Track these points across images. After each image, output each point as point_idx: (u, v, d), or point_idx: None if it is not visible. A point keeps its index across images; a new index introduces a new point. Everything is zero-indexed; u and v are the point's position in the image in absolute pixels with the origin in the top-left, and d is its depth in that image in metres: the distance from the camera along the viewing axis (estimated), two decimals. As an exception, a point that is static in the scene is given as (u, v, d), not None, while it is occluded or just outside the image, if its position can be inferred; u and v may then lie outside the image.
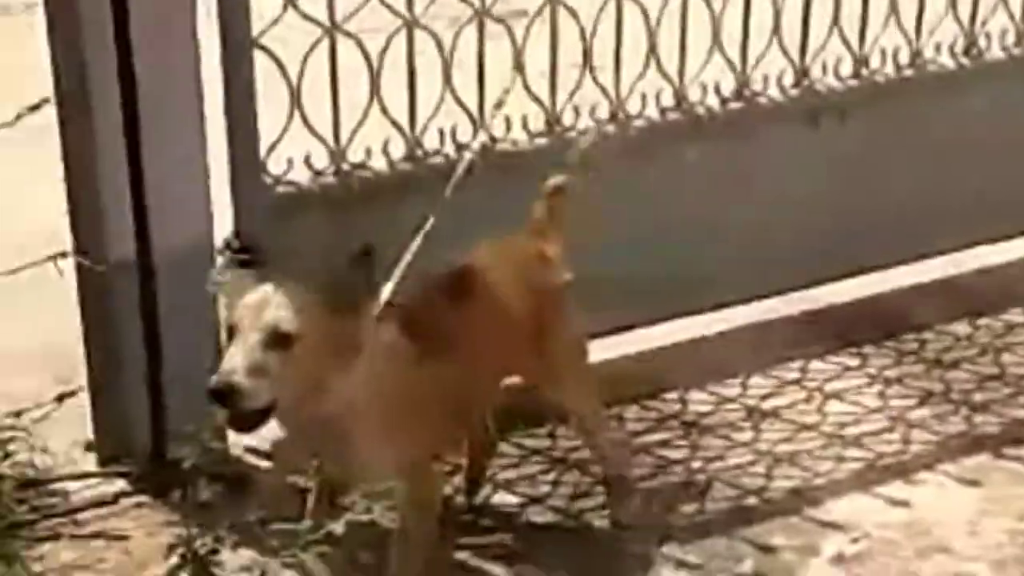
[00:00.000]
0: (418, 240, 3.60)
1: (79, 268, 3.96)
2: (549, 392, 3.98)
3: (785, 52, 4.85)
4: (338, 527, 3.07)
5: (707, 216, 4.74)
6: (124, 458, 4.07)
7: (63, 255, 3.91)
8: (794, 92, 4.89)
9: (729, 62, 4.78)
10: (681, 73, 4.71)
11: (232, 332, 3.20)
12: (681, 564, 3.97)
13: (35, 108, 3.89)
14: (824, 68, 4.93)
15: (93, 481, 4.06)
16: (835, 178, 4.97)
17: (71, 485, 4.03)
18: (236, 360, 3.14)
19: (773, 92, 4.86)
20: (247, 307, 3.22)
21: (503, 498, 4.18)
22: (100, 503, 3.98)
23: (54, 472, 4.01)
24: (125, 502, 4.00)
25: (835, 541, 4.07)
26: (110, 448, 4.10)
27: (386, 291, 3.46)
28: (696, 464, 4.35)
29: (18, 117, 3.89)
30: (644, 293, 4.60)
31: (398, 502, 3.14)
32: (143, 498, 4.01)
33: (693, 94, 4.74)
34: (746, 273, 4.84)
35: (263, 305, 3.21)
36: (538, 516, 4.14)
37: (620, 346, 4.65)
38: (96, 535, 3.92)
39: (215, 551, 3.15)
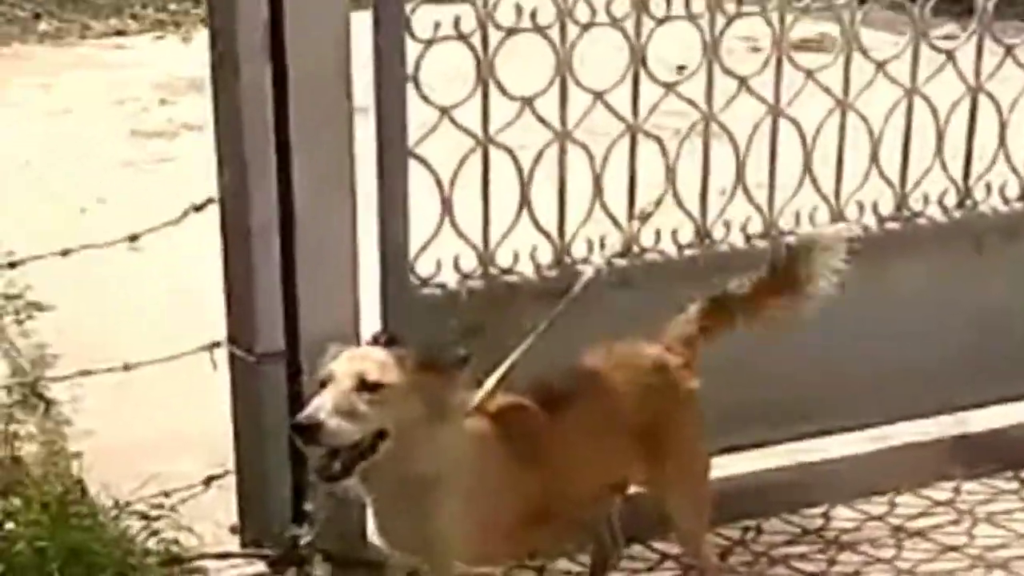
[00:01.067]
0: (527, 342, 3.72)
1: (231, 357, 4.18)
2: (657, 499, 3.96)
3: (947, 172, 4.87)
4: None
5: (863, 334, 4.74)
6: (266, 541, 4.22)
7: (217, 345, 4.16)
8: (957, 213, 4.90)
9: (888, 181, 4.81)
10: (837, 192, 4.77)
11: (324, 384, 3.35)
12: None
13: (200, 208, 4.19)
14: (988, 190, 4.94)
15: (235, 561, 4.22)
16: (997, 301, 4.95)
17: (212, 564, 4.19)
18: (323, 399, 3.28)
19: (934, 212, 4.88)
20: (339, 362, 3.39)
21: (632, 601, 4.24)
22: (236, 583, 4.16)
23: (198, 551, 4.18)
24: (261, 583, 4.17)
25: (966, 666, 4.03)
26: (253, 531, 4.27)
27: (486, 386, 3.60)
28: (831, 580, 4.34)
29: (184, 214, 4.18)
30: (795, 409, 4.64)
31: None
32: (280, 580, 4.18)
33: (850, 212, 4.78)
34: (901, 393, 4.83)
35: (353, 359, 3.40)
36: (666, 620, 4.20)
37: (768, 458, 4.69)
38: (231, 613, 4.11)
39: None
